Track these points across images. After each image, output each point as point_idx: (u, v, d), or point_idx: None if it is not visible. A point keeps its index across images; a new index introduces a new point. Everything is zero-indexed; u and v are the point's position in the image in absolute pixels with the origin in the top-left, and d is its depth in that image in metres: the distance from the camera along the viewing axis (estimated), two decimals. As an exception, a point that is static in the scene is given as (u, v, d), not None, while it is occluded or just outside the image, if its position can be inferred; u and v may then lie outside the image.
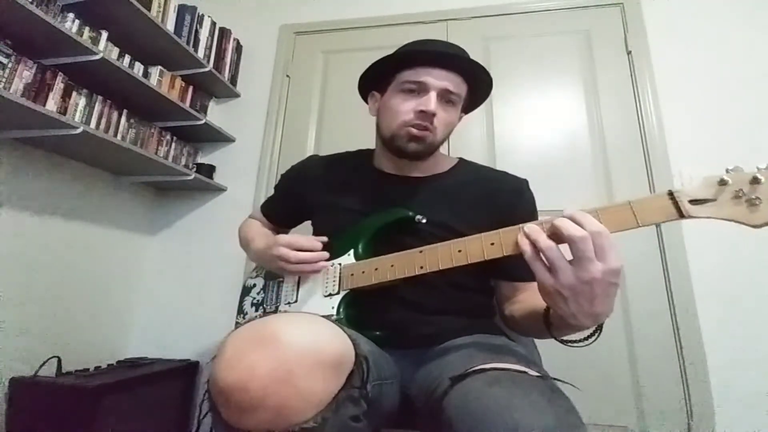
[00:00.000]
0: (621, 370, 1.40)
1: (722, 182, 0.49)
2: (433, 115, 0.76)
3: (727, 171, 0.50)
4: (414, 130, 0.77)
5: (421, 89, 0.77)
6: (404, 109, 0.78)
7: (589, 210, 0.53)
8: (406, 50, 0.81)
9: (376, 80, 0.84)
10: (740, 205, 0.48)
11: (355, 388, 0.50)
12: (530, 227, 0.53)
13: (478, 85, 0.82)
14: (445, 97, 0.78)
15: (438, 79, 0.76)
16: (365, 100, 0.91)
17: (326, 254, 0.76)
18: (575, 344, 0.57)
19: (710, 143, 1.52)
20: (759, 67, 1.56)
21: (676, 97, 1.59)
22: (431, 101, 0.75)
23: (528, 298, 0.74)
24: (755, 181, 0.48)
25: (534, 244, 0.51)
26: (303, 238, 0.77)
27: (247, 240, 0.95)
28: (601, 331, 0.55)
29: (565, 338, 0.59)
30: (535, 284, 0.77)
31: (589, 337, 0.56)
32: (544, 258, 0.51)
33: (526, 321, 0.70)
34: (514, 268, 0.79)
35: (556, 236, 0.51)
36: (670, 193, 0.51)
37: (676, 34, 1.66)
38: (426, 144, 0.79)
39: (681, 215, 0.50)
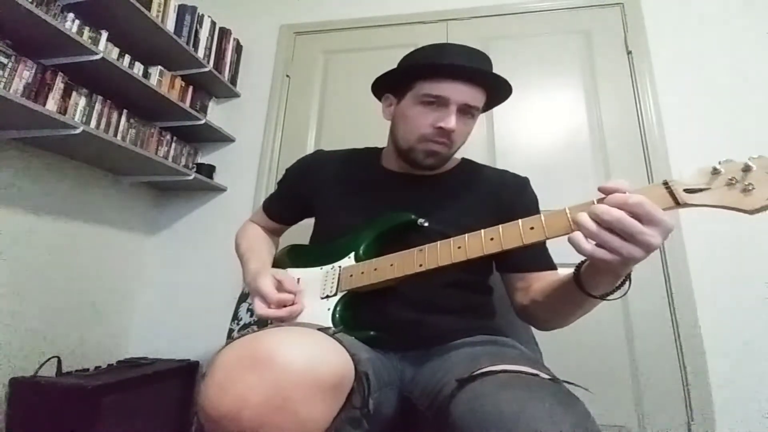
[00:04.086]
0: (621, 370, 1.40)
1: (715, 171, 0.49)
2: (452, 131, 0.75)
3: (719, 163, 0.50)
4: (433, 146, 0.77)
5: (441, 103, 0.75)
6: (423, 122, 0.76)
7: (589, 201, 0.52)
8: (428, 62, 0.77)
9: (393, 83, 0.82)
10: (734, 191, 0.48)
11: (355, 408, 0.48)
12: (579, 217, 0.49)
13: (497, 93, 0.81)
14: (464, 111, 0.77)
15: (459, 93, 0.74)
16: (378, 98, 0.88)
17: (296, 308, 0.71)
18: (612, 297, 0.56)
19: (710, 143, 1.51)
20: (759, 66, 1.56)
21: (676, 97, 1.59)
22: (452, 119, 0.74)
23: (542, 282, 0.73)
24: (747, 168, 0.47)
25: (586, 233, 0.48)
26: (275, 294, 0.71)
27: (241, 255, 0.91)
28: (630, 279, 0.55)
29: (597, 294, 0.57)
30: (546, 272, 0.77)
31: (621, 285, 0.55)
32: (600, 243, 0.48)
33: (553, 296, 0.67)
34: (525, 259, 0.78)
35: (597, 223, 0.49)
36: (665, 183, 0.51)
37: (676, 34, 1.66)
38: (442, 157, 0.80)
39: (677, 203, 0.50)
